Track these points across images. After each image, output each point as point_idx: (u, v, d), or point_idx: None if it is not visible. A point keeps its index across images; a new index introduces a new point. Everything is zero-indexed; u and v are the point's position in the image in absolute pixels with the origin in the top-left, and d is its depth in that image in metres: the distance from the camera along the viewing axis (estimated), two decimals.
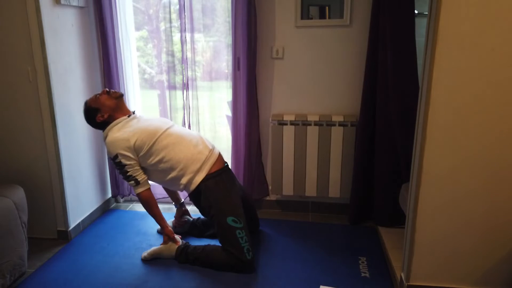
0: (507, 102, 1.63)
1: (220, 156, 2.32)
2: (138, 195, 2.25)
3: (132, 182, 2.21)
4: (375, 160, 2.52)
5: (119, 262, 2.27)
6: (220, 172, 2.25)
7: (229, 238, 2.13)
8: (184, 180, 2.20)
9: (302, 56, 2.62)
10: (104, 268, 2.21)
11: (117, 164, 2.20)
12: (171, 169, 2.20)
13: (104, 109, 2.25)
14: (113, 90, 2.31)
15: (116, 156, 2.17)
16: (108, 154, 2.24)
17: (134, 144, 2.17)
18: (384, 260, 2.26)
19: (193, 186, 2.21)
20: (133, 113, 2.35)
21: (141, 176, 2.22)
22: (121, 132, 2.20)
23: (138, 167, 2.22)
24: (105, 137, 2.24)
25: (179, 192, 2.65)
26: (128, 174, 2.20)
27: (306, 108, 2.71)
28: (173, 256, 2.27)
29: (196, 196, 2.24)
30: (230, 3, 2.54)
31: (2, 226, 1.90)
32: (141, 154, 2.19)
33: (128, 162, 2.18)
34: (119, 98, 2.29)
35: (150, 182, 2.30)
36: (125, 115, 2.30)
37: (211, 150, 2.28)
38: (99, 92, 2.33)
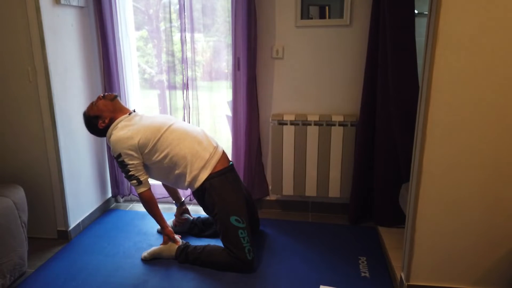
0: (506, 102, 1.64)
1: (224, 154, 2.32)
2: (139, 195, 2.25)
3: (134, 181, 2.21)
4: (375, 160, 2.52)
5: (119, 262, 2.27)
6: (225, 170, 2.25)
7: (231, 237, 2.14)
8: (189, 177, 2.20)
9: (302, 56, 2.62)
10: (104, 268, 2.21)
11: (119, 163, 2.20)
12: (176, 165, 2.20)
13: (104, 114, 2.25)
14: (107, 93, 2.32)
15: (119, 155, 2.17)
16: (111, 153, 2.24)
17: (139, 142, 2.17)
18: (384, 260, 2.26)
19: (198, 183, 2.20)
20: (134, 111, 2.35)
21: (143, 176, 2.22)
22: (125, 130, 2.20)
23: (141, 167, 2.22)
24: (109, 136, 2.24)
25: (180, 191, 2.65)
26: (130, 173, 2.20)
27: (306, 108, 2.71)
28: (173, 256, 2.27)
29: (200, 194, 2.24)
30: (230, 3, 2.54)
31: (2, 226, 1.90)
32: (146, 151, 2.19)
33: (131, 162, 2.18)
34: (115, 99, 2.29)
35: (150, 181, 2.30)
36: (125, 114, 2.30)
37: (215, 148, 2.29)
38: (94, 100, 2.32)
